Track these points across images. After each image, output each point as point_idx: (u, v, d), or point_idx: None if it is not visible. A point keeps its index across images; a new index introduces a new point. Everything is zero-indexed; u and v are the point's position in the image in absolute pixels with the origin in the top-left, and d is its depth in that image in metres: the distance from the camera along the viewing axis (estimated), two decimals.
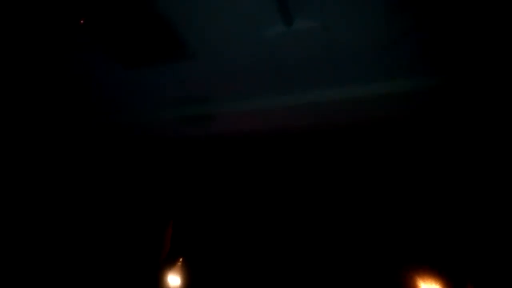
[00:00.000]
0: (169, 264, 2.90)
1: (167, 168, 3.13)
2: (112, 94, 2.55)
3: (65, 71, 2.38)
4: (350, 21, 1.68)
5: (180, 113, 2.52)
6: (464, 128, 2.31)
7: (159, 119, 2.63)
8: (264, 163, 2.86)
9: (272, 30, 1.80)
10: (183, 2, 1.68)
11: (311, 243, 2.66)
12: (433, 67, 1.96)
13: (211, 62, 2.09)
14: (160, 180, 3.16)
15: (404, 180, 2.55)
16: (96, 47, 2.10)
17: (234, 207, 2.94)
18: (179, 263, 2.89)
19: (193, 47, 2.01)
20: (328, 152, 2.68)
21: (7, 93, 2.59)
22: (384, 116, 2.30)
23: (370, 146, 2.56)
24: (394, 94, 2.10)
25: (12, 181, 2.83)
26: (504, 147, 2.20)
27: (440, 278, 2.34)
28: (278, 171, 2.84)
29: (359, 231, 2.59)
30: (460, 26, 1.63)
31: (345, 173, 2.68)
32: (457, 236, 2.36)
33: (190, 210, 3.09)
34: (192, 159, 3.04)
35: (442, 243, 2.39)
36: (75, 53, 2.18)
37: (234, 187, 2.98)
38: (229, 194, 2.98)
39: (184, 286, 2.78)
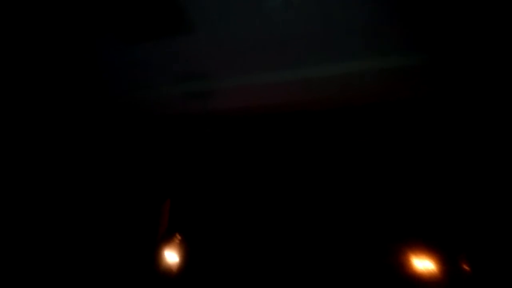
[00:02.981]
0: (166, 240, 2.93)
1: (165, 145, 3.14)
2: (108, 71, 2.54)
3: (64, 48, 2.38)
4: None
5: (178, 89, 2.51)
6: (454, 103, 2.34)
7: (157, 95, 2.61)
8: (263, 139, 2.87)
9: (271, 2, 1.82)
10: None
11: (307, 215, 2.69)
12: (422, 43, 1.98)
13: (210, 35, 2.09)
14: (158, 157, 3.17)
15: (396, 155, 2.58)
16: (94, 22, 2.10)
17: (232, 183, 2.96)
18: (177, 240, 2.93)
19: (192, 20, 2.01)
20: (324, 127, 2.70)
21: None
22: (379, 91, 2.32)
23: (364, 122, 2.59)
24: (388, 69, 2.12)
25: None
26: (490, 121, 2.23)
27: (433, 253, 2.39)
28: (277, 147, 2.85)
29: (352, 207, 2.62)
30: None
31: (339, 148, 2.70)
32: (449, 211, 2.40)
33: (188, 186, 3.11)
34: (191, 135, 3.05)
35: (434, 218, 2.43)
36: (75, 30, 2.18)
37: (233, 164, 2.99)
38: (228, 171, 3.00)
39: (181, 262, 2.81)
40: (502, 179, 2.25)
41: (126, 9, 2.02)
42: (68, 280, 2.72)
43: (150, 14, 2.02)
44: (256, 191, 2.89)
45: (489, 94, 2.21)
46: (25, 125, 2.94)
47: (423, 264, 2.39)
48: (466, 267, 2.29)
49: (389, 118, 2.53)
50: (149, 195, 3.11)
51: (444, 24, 1.82)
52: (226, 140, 2.98)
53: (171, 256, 2.87)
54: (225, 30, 2.05)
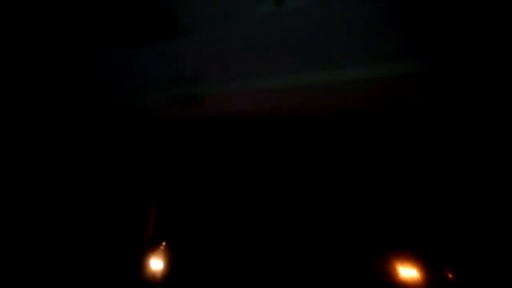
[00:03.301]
0: (152, 248, 2.87)
1: (152, 150, 3.08)
2: (100, 75, 2.47)
3: (56, 51, 2.28)
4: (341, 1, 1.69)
5: (168, 94, 2.47)
6: (445, 112, 2.38)
7: (145, 99, 2.56)
8: (253, 146, 2.85)
9: (264, 8, 1.79)
10: None
11: (295, 224, 2.69)
12: (423, 49, 1.99)
13: (202, 39, 2.05)
14: (145, 162, 3.10)
15: (382, 164, 2.61)
16: (86, 26, 2.02)
17: (219, 190, 2.93)
18: (162, 247, 2.87)
19: (184, 24, 1.97)
20: (316, 135, 2.71)
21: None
22: (378, 98, 2.34)
23: (353, 129, 2.61)
24: (388, 76, 2.12)
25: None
26: (484, 131, 2.29)
27: (418, 262, 2.42)
28: (267, 155, 2.84)
29: (337, 216, 2.64)
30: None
31: (328, 156, 2.72)
32: (434, 220, 2.45)
33: (174, 193, 3.05)
34: (179, 141, 3.00)
35: (419, 227, 2.47)
36: (68, 33, 2.10)
37: (220, 171, 2.96)
38: (215, 178, 2.96)
39: (166, 270, 2.76)
40: (491, 189, 2.30)
41: (119, 12, 1.96)
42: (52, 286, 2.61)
43: (142, 17, 1.97)
44: (244, 199, 2.87)
45: (493, 106, 2.22)
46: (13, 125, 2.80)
47: (408, 272, 2.43)
48: (450, 276, 2.34)
49: (384, 126, 2.55)
50: (135, 201, 3.04)
51: (448, 30, 1.81)
52: (216, 146, 2.94)
53: (156, 263, 2.80)
54: (219, 34, 2.03)
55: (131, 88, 2.53)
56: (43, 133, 2.94)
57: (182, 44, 2.10)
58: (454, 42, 1.89)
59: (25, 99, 2.73)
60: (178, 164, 3.07)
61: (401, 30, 1.85)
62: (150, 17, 1.93)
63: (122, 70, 2.37)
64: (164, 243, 2.91)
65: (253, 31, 1.96)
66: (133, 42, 2.09)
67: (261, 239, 2.70)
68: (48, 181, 2.94)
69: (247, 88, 2.36)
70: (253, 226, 2.77)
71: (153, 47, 2.13)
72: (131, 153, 3.10)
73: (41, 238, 2.78)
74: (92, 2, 1.85)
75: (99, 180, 3.07)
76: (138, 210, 3.03)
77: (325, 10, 1.74)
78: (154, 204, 3.07)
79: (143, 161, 3.11)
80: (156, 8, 1.87)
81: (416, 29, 1.82)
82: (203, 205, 2.96)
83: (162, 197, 3.09)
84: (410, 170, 2.57)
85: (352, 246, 2.53)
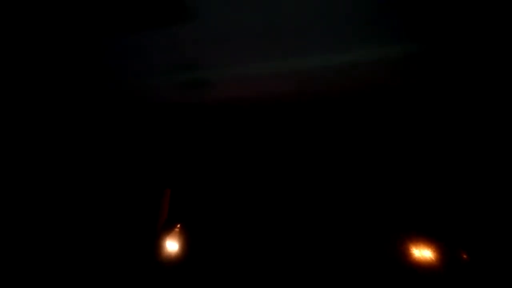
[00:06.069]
0: (167, 230, 2.94)
1: (165, 135, 3.14)
2: (106, 60, 2.52)
3: (60, 36, 2.34)
4: None
5: (178, 79, 2.51)
6: (453, 93, 2.34)
7: (156, 85, 2.61)
8: (262, 129, 2.88)
9: None
10: None
11: (306, 205, 2.71)
12: (422, 33, 1.97)
13: (210, 24, 2.08)
14: (158, 147, 3.17)
15: (396, 146, 2.59)
16: (92, 11, 2.08)
17: (231, 174, 2.97)
18: (177, 229, 2.94)
19: (193, 8, 2.00)
20: (322, 118, 2.71)
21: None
22: (376, 82, 2.32)
23: (362, 111, 2.60)
24: (386, 60, 2.11)
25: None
26: (492, 112, 2.24)
27: (432, 244, 2.40)
28: (275, 138, 2.86)
29: (351, 198, 2.63)
30: None
31: (337, 139, 2.71)
32: (449, 202, 2.41)
33: (188, 176, 3.11)
34: (190, 125, 3.05)
35: (434, 209, 2.44)
36: (73, 19, 2.16)
37: (232, 154, 3.00)
38: (227, 161, 3.01)
39: (182, 252, 2.83)
40: (500, 171, 2.26)
41: None
42: (68, 272, 2.73)
43: (150, 2, 2.00)
44: (257, 182, 2.90)
45: (486, 87, 2.20)
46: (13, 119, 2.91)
47: (421, 253, 2.41)
48: (464, 257, 2.31)
49: (388, 110, 2.53)
50: (149, 185, 3.12)
51: (441, 13, 1.79)
52: (227, 130, 2.99)
53: (171, 246, 2.88)
54: (226, 19, 2.04)
55: (140, 74, 2.58)
56: (56, 124, 3.03)
57: (191, 29, 2.13)
58: (447, 26, 1.86)
59: (30, 91, 2.80)
60: (191, 148, 3.13)
61: (394, 14, 1.83)
62: (159, 2, 1.97)
63: (131, 56, 2.42)
64: (178, 226, 2.98)
65: (261, 16, 1.97)
66: (141, 27, 2.13)
67: (275, 222, 2.73)
68: (65, 167, 3.04)
69: (256, 73, 2.38)
70: (266, 208, 2.80)
71: (161, 32, 2.16)
72: (145, 138, 3.17)
73: (58, 220, 2.89)
74: None
75: (114, 165, 3.15)
76: (153, 194, 3.11)
77: None
78: (169, 188, 3.14)
79: (156, 146, 3.18)
80: None
81: (408, 13, 1.80)
82: (217, 188, 3.01)
83: (176, 181, 3.16)
84: (425, 152, 2.54)
85: (366, 229, 2.53)
